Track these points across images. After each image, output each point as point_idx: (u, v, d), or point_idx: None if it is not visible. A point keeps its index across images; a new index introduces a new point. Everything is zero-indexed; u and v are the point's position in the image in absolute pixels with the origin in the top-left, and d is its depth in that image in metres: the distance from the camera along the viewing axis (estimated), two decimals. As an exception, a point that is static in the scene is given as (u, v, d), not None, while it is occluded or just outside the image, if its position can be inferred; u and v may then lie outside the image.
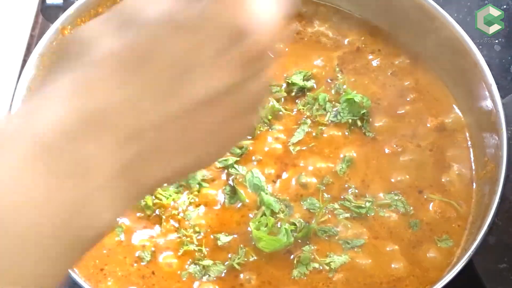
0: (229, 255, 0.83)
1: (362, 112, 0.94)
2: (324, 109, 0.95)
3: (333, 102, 0.95)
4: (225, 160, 0.89)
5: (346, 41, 1.02)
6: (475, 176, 0.91)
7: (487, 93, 0.89)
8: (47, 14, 1.01)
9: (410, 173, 0.91)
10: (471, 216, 0.88)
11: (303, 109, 0.95)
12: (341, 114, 0.94)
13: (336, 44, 1.01)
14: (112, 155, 0.43)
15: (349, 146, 0.92)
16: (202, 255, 0.83)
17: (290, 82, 0.96)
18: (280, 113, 0.94)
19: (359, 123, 0.94)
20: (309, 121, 0.94)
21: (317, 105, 0.95)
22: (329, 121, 0.94)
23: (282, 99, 0.95)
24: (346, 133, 0.93)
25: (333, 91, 0.96)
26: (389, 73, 0.99)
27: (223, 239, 0.84)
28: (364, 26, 1.02)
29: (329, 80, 0.98)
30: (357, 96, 0.94)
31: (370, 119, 0.94)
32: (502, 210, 0.83)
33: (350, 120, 0.94)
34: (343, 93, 0.95)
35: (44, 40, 0.90)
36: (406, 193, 0.89)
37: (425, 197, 0.89)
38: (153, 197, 0.86)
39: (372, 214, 0.87)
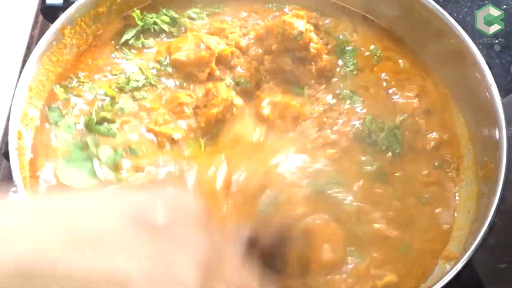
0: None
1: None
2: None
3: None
4: None
5: (346, 41, 1.02)
6: (475, 176, 0.91)
7: (487, 93, 0.89)
8: (47, 14, 1.01)
9: (410, 173, 0.91)
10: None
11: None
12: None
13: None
14: None
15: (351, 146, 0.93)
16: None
17: None
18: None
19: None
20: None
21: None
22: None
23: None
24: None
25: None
26: (390, 75, 0.99)
27: None
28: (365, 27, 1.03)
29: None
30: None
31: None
32: (502, 210, 0.82)
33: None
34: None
35: (44, 40, 0.90)
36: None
37: (426, 196, 0.89)
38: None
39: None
